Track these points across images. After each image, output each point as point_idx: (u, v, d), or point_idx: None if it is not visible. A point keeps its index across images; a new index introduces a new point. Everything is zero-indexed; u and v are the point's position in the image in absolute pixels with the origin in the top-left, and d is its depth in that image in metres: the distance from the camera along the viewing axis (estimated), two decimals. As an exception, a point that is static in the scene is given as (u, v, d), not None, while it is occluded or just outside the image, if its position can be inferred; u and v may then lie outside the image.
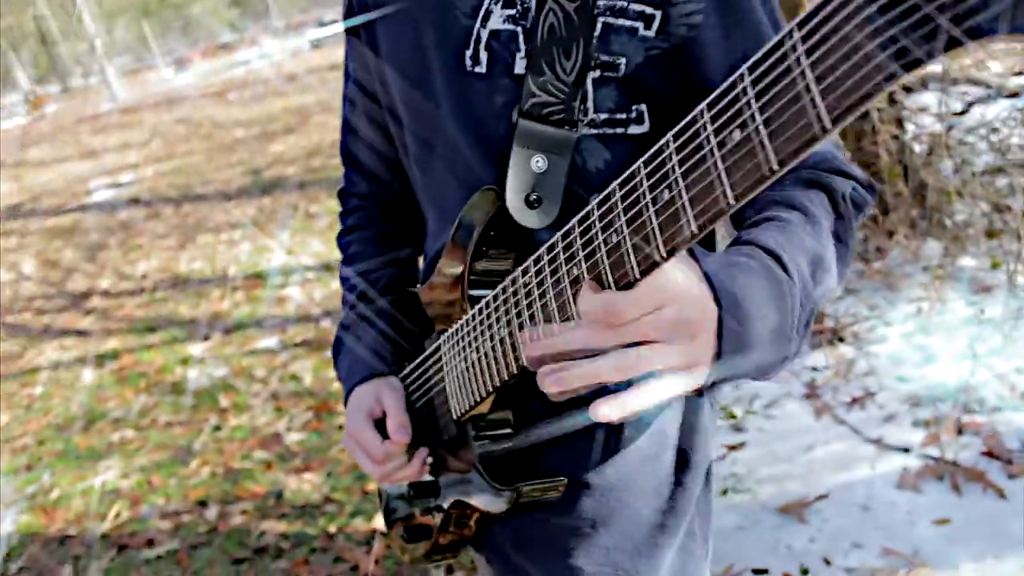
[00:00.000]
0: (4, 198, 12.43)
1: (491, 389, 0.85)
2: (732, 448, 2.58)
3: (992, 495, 2.11)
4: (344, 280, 1.15)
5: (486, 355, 0.84)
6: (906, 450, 2.34)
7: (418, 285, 1.02)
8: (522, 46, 0.88)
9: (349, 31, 1.04)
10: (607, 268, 0.64)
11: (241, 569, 2.66)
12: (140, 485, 3.39)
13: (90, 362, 5.14)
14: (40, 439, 4.18)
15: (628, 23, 0.84)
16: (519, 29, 0.88)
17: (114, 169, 12.52)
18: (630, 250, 0.61)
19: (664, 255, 0.59)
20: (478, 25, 0.89)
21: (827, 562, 2.05)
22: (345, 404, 1.05)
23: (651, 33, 0.84)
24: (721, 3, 0.83)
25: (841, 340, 2.90)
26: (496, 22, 0.89)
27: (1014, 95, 3.43)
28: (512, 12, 0.88)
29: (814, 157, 0.85)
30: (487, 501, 0.93)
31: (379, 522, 2.71)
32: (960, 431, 2.34)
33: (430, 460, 1.01)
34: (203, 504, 3.10)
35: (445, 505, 1.00)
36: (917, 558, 1.97)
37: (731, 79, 0.52)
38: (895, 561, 1.99)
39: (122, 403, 4.35)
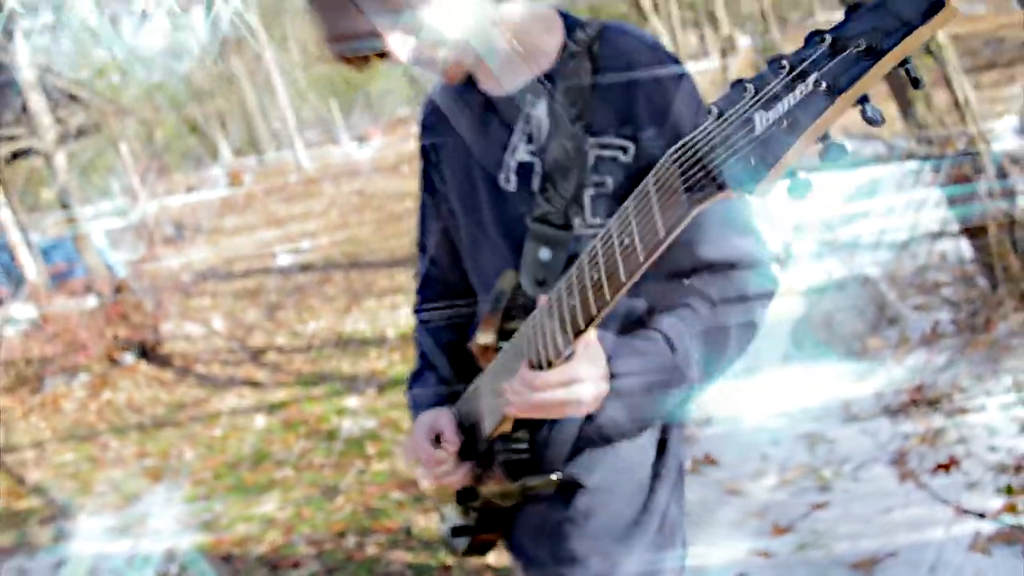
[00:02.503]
0: (203, 262, 13.77)
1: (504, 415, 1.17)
2: (816, 507, 2.74)
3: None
4: (417, 342, 1.50)
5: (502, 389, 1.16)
6: (982, 515, 2.43)
7: (469, 342, 1.36)
8: (538, 171, 1.21)
9: (421, 156, 1.40)
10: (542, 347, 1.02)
11: (369, 591, 3.03)
12: (293, 516, 3.85)
13: (262, 410, 5.75)
14: (216, 474, 4.76)
15: (611, 153, 1.16)
16: (536, 160, 1.21)
17: (296, 236, 13.66)
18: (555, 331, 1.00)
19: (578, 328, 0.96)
20: (508, 157, 1.23)
21: (887, 614, 2.19)
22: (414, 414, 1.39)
23: (628, 159, 1.15)
24: (671, 136, 1.13)
25: (936, 409, 2.99)
26: (521, 155, 1.22)
27: None
28: (532, 148, 1.21)
29: (735, 253, 1.13)
30: (504, 492, 1.24)
31: (490, 558, 3.01)
32: (1039, 500, 2.41)
33: (470, 470, 1.32)
34: (343, 535, 3.51)
35: (477, 504, 1.31)
36: (974, 615, 2.08)
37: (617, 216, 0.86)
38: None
39: (284, 447, 4.88)
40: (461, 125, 1.28)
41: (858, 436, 3.06)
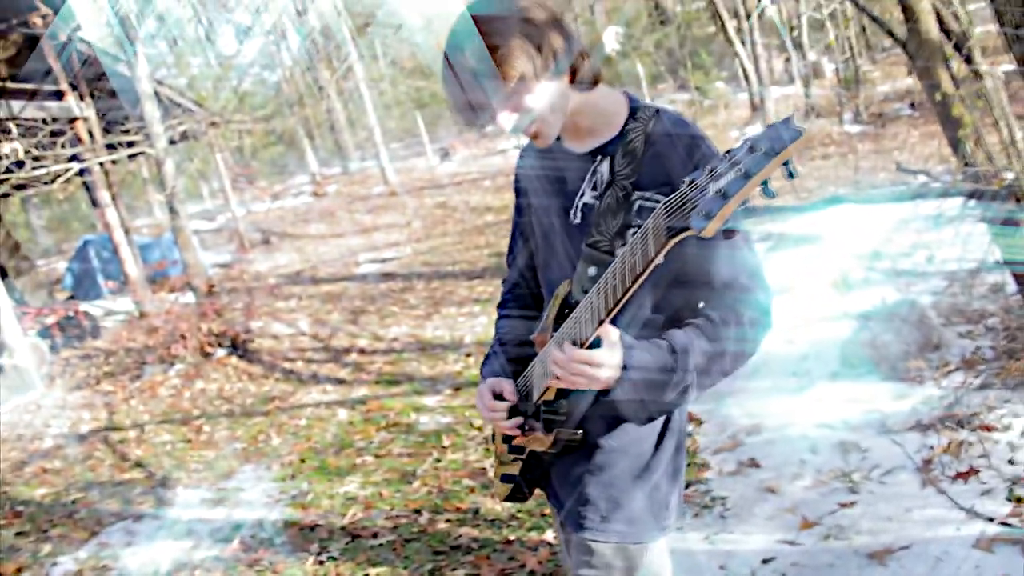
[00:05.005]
0: (289, 265, 14.46)
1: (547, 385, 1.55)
2: (843, 505, 3.03)
3: (1054, 559, 2.45)
4: (496, 329, 1.91)
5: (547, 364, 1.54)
6: (991, 519, 2.70)
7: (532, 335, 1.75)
8: (596, 211, 1.59)
9: (516, 193, 1.82)
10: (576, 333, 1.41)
11: (439, 559, 3.42)
12: (372, 496, 4.27)
13: (345, 405, 6.21)
14: (302, 458, 5.22)
15: (651, 204, 1.53)
16: (597, 202, 1.59)
17: (381, 246, 14.25)
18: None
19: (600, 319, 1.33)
20: (578, 199, 1.63)
21: (894, 595, 2.48)
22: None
23: None
24: None
25: (964, 425, 3.25)
26: (587, 198, 1.62)
27: None
28: (595, 193, 1.61)
29: (730, 281, 1.50)
30: (543, 439, 1.62)
31: (548, 535, 3.38)
32: (1045, 507, 2.67)
33: (520, 423, 1.69)
34: (418, 512, 3.92)
35: (523, 456, 1.70)
36: (971, 600, 2.37)
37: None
38: (951, 600, 2.39)
39: (365, 437, 5.32)
40: (547, 173, 1.69)
41: (889, 447, 3.33)
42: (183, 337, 8.45)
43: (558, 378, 1.47)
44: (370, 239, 15.51)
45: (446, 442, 4.81)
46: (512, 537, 3.45)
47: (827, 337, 4.61)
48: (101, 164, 10.87)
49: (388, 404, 5.92)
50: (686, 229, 1.14)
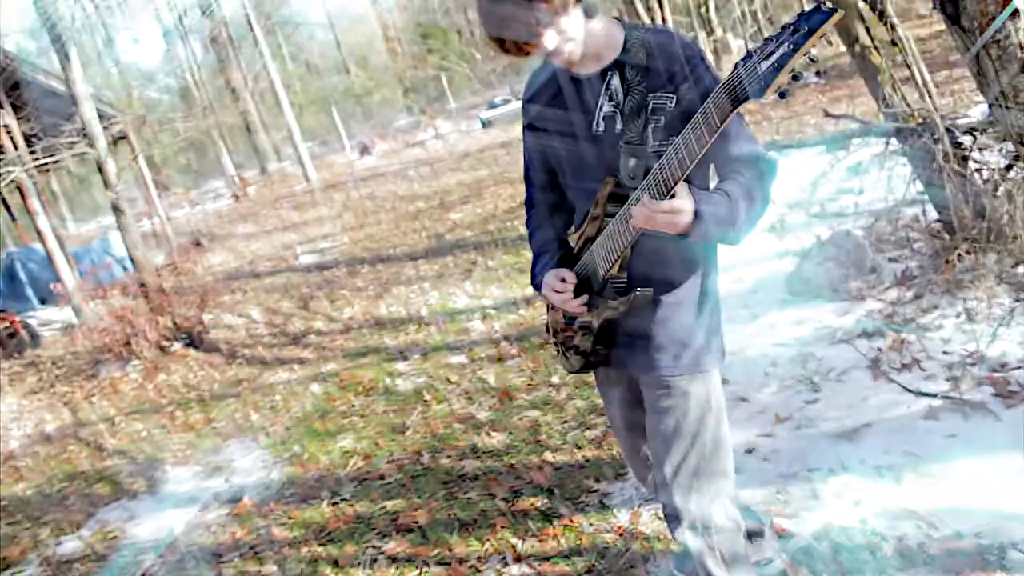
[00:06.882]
0: (225, 264, 14.47)
1: (620, 254, 1.89)
2: (808, 403, 3.46)
3: (991, 418, 2.91)
4: (531, 238, 2.24)
5: (618, 236, 1.88)
6: (934, 395, 3.15)
7: (571, 231, 2.09)
8: (618, 119, 1.93)
9: (526, 116, 2.14)
10: (657, 188, 1.72)
11: (451, 487, 3.74)
12: (369, 447, 4.56)
13: (316, 380, 6.44)
14: (287, 427, 5.46)
15: (662, 102, 1.88)
16: (616, 111, 1.94)
17: (315, 238, 14.37)
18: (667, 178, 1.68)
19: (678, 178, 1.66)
20: (597, 111, 1.97)
21: (861, 462, 2.91)
22: (539, 285, 2.11)
23: (671, 104, 1.88)
24: (696, 84, 1.85)
25: (903, 328, 3.72)
26: (606, 109, 1.96)
27: None
28: (612, 103, 1.95)
29: (744, 151, 1.86)
30: (618, 305, 1.96)
31: (547, 455, 3.73)
32: (979, 383, 3.14)
33: (585, 301, 2.03)
34: (418, 454, 4.22)
35: (595, 324, 2.04)
36: (928, 456, 2.81)
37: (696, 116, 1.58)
38: (911, 459, 2.83)
39: (346, 402, 5.58)
40: (562, 97, 2.03)
41: (841, 353, 3.78)
42: (136, 335, 8.52)
43: (644, 229, 1.79)
44: (302, 233, 15.60)
45: (427, 397, 5.11)
46: (513, 462, 3.79)
47: (772, 272, 5.07)
48: (28, 172, 10.78)
49: (360, 373, 6.17)
50: (746, 98, 1.49)
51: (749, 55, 1.49)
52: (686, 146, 1.64)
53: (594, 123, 1.97)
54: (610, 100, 1.95)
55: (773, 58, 1.42)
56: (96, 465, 6.01)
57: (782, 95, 1.45)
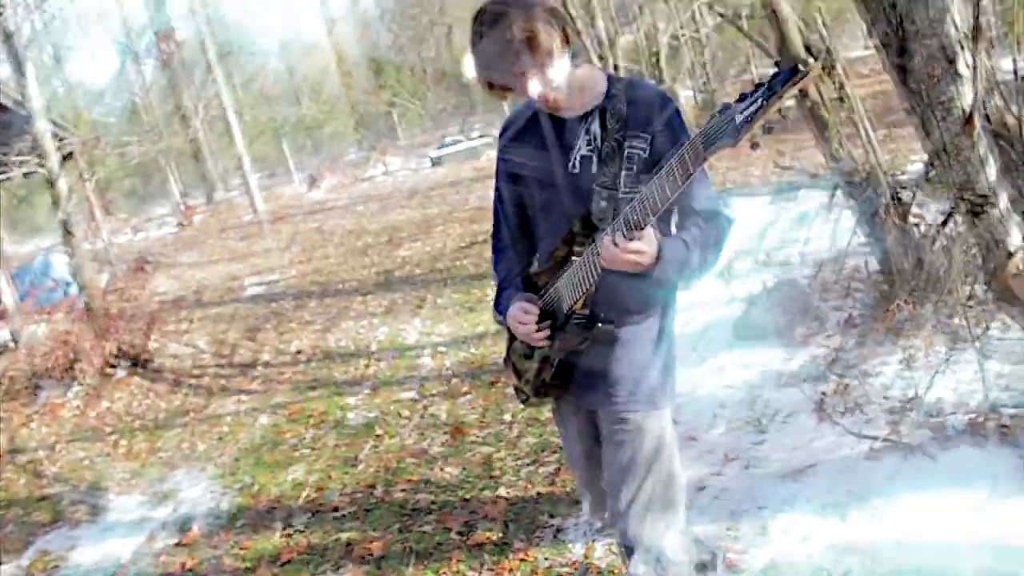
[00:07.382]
0: (169, 291, 14.28)
1: (586, 290, 1.98)
2: (755, 443, 3.58)
3: (929, 460, 3.06)
4: (496, 267, 2.34)
5: (584, 272, 1.97)
6: (876, 438, 3.30)
7: (534, 266, 2.19)
8: (595, 161, 2.04)
9: (501, 160, 2.24)
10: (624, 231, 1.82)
11: (405, 520, 3.77)
12: (322, 479, 4.56)
13: (264, 411, 6.40)
14: (235, 458, 5.42)
15: (636, 150, 2.00)
16: (593, 153, 2.05)
17: (262, 269, 14.27)
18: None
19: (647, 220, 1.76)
20: (574, 153, 2.07)
21: (807, 500, 3.03)
22: (503, 313, 2.18)
23: (645, 153, 2.00)
24: (670, 136, 1.98)
25: (846, 374, 3.88)
26: (583, 151, 2.07)
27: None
28: (590, 147, 2.06)
29: (706, 206, 1.98)
30: (580, 339, 2.04)
31: (501, 491, 3.79)
32: (918, 426, 3.30)
33: (548, 334, 2.12)
34: (372, 487, 4.24)
35: (555, 357, 2.12)
36: (871, 495, 2.94)
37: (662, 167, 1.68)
38: (854, 497, 2.96)
39: (296, 435, 5.56)
40: (541, 135, 2.13)
41: (787, 396, 3.92)
42: (79, 359, 8.37)
43: (604, 267, 1.89)
44: (249, 264, 15.48)
45: (379, 431, 5.13)
46: (467, 496, 3.84)
47: (720, 317, 5.23)
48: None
49: (309, 405, 6.16)
50: (722, 143, 1.60)
51: (727, 106, 1.60)
52: (659, 190, 1.75)
53: (570, 163, 2.08)
54: (588, 143, 2.05)
55: (749, 110, 1.54)
56: (35, 492, 5.88)
57: (754, 146, 1.57)
